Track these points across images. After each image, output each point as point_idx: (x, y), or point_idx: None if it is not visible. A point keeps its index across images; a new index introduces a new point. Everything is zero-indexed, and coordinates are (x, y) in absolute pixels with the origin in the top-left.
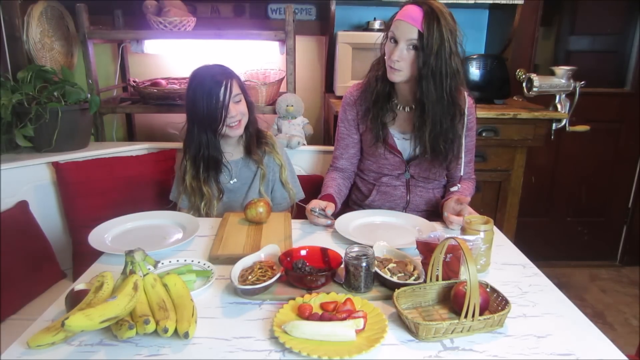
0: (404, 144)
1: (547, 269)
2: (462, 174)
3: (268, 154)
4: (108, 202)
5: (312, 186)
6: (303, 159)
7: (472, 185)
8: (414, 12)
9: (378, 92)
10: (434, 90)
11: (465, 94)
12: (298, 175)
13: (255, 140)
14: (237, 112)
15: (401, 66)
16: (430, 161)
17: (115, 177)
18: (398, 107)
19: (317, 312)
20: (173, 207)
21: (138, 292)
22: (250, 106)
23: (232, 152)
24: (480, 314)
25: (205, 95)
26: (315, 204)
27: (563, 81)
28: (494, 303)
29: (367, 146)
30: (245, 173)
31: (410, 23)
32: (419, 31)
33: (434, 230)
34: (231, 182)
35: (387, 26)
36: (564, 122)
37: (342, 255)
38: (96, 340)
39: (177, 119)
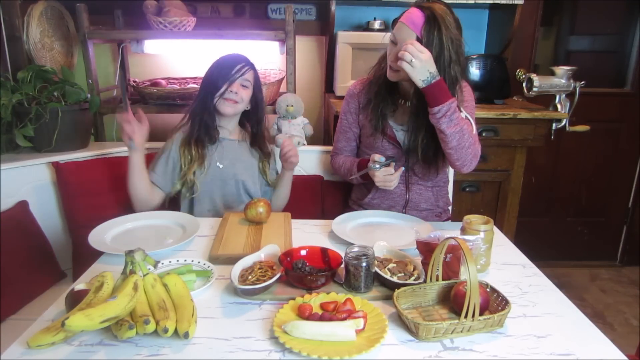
0: (403, 136)
1: (547, 269)
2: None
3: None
4: (108, 202)
5: (312, 186)
6: (303, 159)
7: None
8: (416, 17)
9: (381, 85)
10: None
11: (463, 83)
12: (298, 175)
13: (256, 140)
14: (239, 92)
15: (398, 67)
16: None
17: (115, 177)
18: (400, 102)
19: (317, 312)
20: (172, 206)
21: (138, 292)
22: (258, 104)
23: (230, 131)
24: (480, 314)
25: (223, 62)
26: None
27: (563, 81)
28: (494, 303)
29: (366, 137)
30: (236, 154)
31: (410, 28)
32: (417, 37)
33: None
34: (218, 164)
35: (393, 24)
36: (564, 122)
37: (342, 255)
38: (96, 340)
39: (177, 119)
